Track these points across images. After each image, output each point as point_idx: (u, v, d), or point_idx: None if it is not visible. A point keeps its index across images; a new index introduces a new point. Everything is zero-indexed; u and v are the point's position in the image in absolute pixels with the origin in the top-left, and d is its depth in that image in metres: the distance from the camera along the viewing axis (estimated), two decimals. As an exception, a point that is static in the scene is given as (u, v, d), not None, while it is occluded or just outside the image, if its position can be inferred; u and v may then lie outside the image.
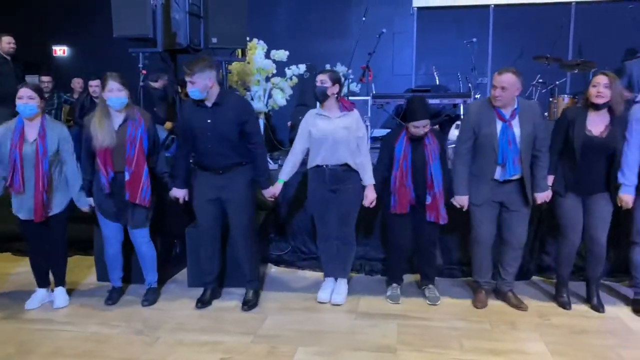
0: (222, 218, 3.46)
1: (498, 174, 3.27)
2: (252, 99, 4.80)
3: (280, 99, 4.81)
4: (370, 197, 3.46)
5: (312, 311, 3.48)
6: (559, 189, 3.36)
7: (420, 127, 3.33)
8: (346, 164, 3.41)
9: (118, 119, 3.34)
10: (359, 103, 5.83)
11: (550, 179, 3.36)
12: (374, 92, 5.85)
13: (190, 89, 3.19)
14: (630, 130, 3.21)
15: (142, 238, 3.52)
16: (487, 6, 7.17)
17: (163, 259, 3.94)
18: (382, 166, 3.51)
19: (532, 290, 3.80)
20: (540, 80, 5.92)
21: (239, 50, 4.68)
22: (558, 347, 2.97)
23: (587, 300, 3.54)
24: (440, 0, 7.30)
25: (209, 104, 3.27)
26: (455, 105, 5.61)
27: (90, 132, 3.31)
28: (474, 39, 6.11)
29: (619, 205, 3.27)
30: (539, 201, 3.37)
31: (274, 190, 3.52)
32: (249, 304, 3.50)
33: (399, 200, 3.41)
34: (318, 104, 3.55)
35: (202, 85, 3.17)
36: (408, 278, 3.94)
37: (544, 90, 5.96)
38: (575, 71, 6.04)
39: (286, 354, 2.90)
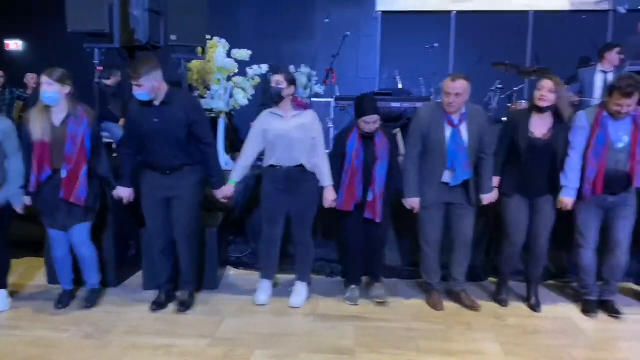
0: (170, 218, 3.38)
1: (447, 177, 3.32)
2: (212, 98, 4.72)
3: (242, 98, 4.75)
4: (329, 198, 3.45)
5: (271, 314, 3.44)
6: (506, 190, 3.43)
7: (371, 122, 3.34)
8: (301, 165, 3.39)
9: (59, 115, 3.23)
10: (322, 105, 5.83)
11: (496, 181, 3.44)
12: (337, 95, 5.86)
13: (137, 92, 3.12)
14: (575, 135, 3.30)
15: (80, 239, 3.39)
16: (449, 12, 7.29)
17: (118, 261, 3.83)
18: (335, 166, 3.50)
19: (488, 291, 3.85)
20: (499, 86, 6.04)
21: (199, 48, 4.60)
22: (512, 347, 3.02)
23: (527, 299, 3.62)
24: (403, 5, 7.38)
25: (156, 103, 3.20)
26: (417, 109, 5.66)
27: (28, 127, 3.20)
28: (436, 44, 6.20)
29: (559, 207, 3.36)
30: (485, 202, 3.43)
31: (225, 191, 3.46)
32: (184, 305, 3.43)
33: (345, 197, 3.41)
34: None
35: (149, 87, 3.10)
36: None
37: (502, 96, 6.08)
38: (533, 78, 6.18)
39: (242, 357, 2.85)
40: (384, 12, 7.42)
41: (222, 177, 3.45)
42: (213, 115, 4.95)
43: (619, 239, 3.32)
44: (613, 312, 3.44)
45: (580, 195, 3.29)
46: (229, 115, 5.06)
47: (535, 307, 3.53)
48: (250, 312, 3.46)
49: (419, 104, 5.48)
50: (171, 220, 3.37)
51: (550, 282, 4.04)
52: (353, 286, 3.67)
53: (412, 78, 6.50)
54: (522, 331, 3.24)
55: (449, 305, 3.60)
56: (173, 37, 4.31)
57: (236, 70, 4.85)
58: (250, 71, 4.83)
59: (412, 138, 3.38)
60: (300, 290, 3.61)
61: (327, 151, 3.57)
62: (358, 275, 3.71)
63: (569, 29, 6.65)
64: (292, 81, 3.38)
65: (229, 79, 4.82)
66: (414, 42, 7.03)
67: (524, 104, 5.56)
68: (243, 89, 4.80)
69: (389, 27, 7.41)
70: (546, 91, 3.24)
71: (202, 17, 4.43)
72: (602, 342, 3.11)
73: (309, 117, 3.43)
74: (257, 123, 3.48)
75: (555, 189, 3.36)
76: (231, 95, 4.81)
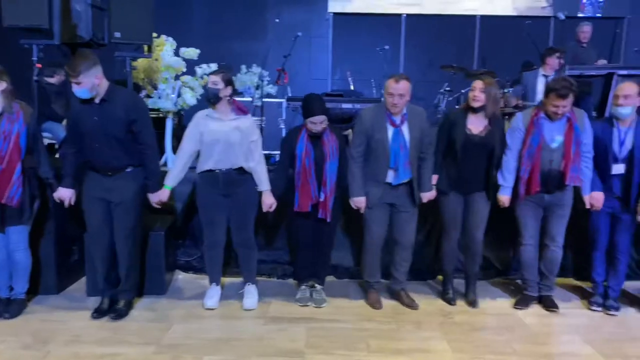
0: (111, 222, 3.27)
1: (390, 177, 3.37)
2: (159, 98, 4.59)
3: (190, 98, 4.64)
4: (267, 202, 3.43)
5: (220, 318, 3.38)
6: (443, 188, 3.51)
7: (318, 123, 3.34)
8: (240, 168, 3.35)
9: None
10: (274, 105, 5.79)
11: (435, 179, 3.52)
12: (289, 95, 5.83)
13: (76, 89, 2.99)
14: (512, 136, 3.42)
15: (16, 244, 3.23)
16: (400, 15, 7.40)
17: (59, 267, 3.67)
18: (283, 166, 3.49)
19: (438, 289, 3.92)
20: (448, 89, 6.18)
21: (146, 46, 4.47)
22: (459, 344, 3.08)
23: (465, 295, 3.72)
24: (355, 7, 7.43)
25: (97, 100, 3.08)
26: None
27: None
28: (387, 47, 6.27)
29: (499, 205, 3.48)
30: (424, 200, 3.51)
31: (160, 195, 3.34)
32: (117, 313, 3.31)
33: (301, 199, 3.41)
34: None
35: (89, 84, 2.99)
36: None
37: (450, 98, 6.22)
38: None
39: (190, 364, 2.79)
40: (335, 14, 7.45)
41: (159, 181, 3.33)
42: (161, 115, 4.83)
43: (554, 234, 3.48)
44: (551, 306, 3.57)
45: (517, 194, 3.41)
46: (177, 115, 4.94)
47: (473, 303, 3.63)
48: (199, 317, 3.39)
49: (370, 106, 5.52)
50: (112, 224, 3.26)
51: (496, 279, 4.16)
52: (303, 286, 3.66)
53: (363, 79, 6.57)
54: (468, 328, 3.31)
55: (398, 303, 3.64)
56: (117, 34, 4.16)
57: (184, 69, 4.74)
58: (199, 70, 4.73)
59: (356, 138, 3.40)
60: (252, 292, 3.57)
61: (277, 152, 3.54)
62: (307, 275, 3.70)
63: (514, 33, 6.86)
64: (229, 82, 3.30)
65: (176, 78, 4.71)
66: (365, 44, 7.10)
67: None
68: (191, 89, 4.69)
69: (341, 28, 7.45)
70: (478, 91, 3.34)
71: (148, 14, 4.30)
72: (544, 336, 3.22)
73: (248, 122, 3.39)
74: (193, 125, 3.38)
75: (489, 185, 3.47)
76: (179, 95, 4.70)
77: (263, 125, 5.04)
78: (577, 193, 3.47)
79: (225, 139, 3.28)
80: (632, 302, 3.71)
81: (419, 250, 4.11)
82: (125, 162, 3.18)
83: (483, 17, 7.33)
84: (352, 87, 6.45)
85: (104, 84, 3.08)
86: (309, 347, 3.00)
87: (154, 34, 4.54)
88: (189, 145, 3.38)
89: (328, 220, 3.45)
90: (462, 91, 6.34)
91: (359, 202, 3.42)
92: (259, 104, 5.12)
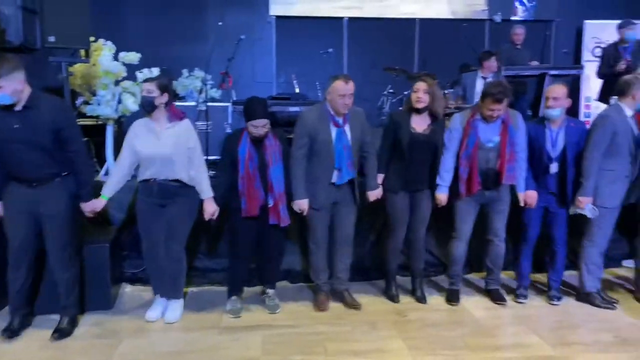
0: (37, 235, 3.08)
1: (335, 177, 3.40)
2: (99, 104, 4.40)
3: (131, 104, 4.47)
4: (209, 210, 3.35)
5: (171, 330, 3.28)
6: (391, 187, 3.57)
7: (260, 126, 3.30)
8: (178, 180, 3.26)
9: None
10: (219, 109, 5.69)
11: (381, 178, 3.58)
12: (234, 99, 5.75)
13: None
14: (450, 137, 3.52)
15: None
16: (342, 18, 7.46)
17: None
18: (225, 172, 3.40)
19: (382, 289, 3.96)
20: (391, 91, 6.29)
21: (82, 51, 4.27)
22: (414, 342, 3.13)
23: (413, 292, 3.80)
24: (297, 10, 7.42)
25: (18, 107, 2.89)
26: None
27: None
28: (330, 50, 6.31)
29: (437, 203, 3.58)
30: (371, 199, 3.56)
31: (94, 204, 3.21)
32: (60, 332, 3.14)
33: (249, 203, 3.34)
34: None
35: (11, 89, 2.81)
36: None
37: (394, 100, 6.33)
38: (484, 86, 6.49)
39: (143, 380, 2.69)
40: (277, 17, 7.42)
41: (91, 189, 3.19)
42: (100, 122, 4.63)
43: (496, 229, 3.61)
44: (499, 299, 3.70)
45: (457, 193, 3.51)
46: (118, 122, 4.76)
47: (421, 299, 3.72)
48: (150, 330, 3.27)
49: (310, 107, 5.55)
50: (37, 238, 3.08)
51: (444, 275, 4.25)
52: (234, 297, 3.58)
53: (308, 82, 6.57)
54: (422, 324, 3.38)
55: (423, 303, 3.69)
56: (51, 39, 3.95)
57: (124, 75, 4.56)
58: (140, 75, 4.57)
59: (297, 140, 3.38)
60: (176, 305, 3.45)
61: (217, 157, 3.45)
62: (241, 285, 3.66)
63: (451, 35, 7.08)
64: (165, 88, 3.19)
65: (116, 83, 4.52)
66: (308, 46, 7.11)
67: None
68: (133, 94, 4.52)
69: (284, 31, 7.42)
70: (422, 93, 3.42)
71: (84, 17, 4.11)
72: (494, 328, 3.34)
73: (184, 127, 3.28)
74: (129, 136, 3.28)
75: (433, 184, 3.57)
76: (120, 101, 4.52)
77: (209, 130, 4.94)
78: (514, 190, 3.60)
79: (162, 153, 3.18)
80: (570, 291, 3.90)
81: (370, 249, 4.17)
82: (52, 171, 3.01)
83: (422, 20, 7.51)
84: (297, 90, 6.45)
85: (27, 90, 2.90)
86: (266, 354, 2.97)
87: (91, 38, 4.35)
88: (125, 156, 3.28)
89: (282, 225, 3.42)
90: (405, 93, 6.45)
91: (301, 204, 3.40)
92: (204, 108, 5.01)
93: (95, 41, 4.48)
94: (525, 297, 3.73)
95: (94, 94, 4.50)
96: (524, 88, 6.07)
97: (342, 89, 3.26)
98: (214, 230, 3.98)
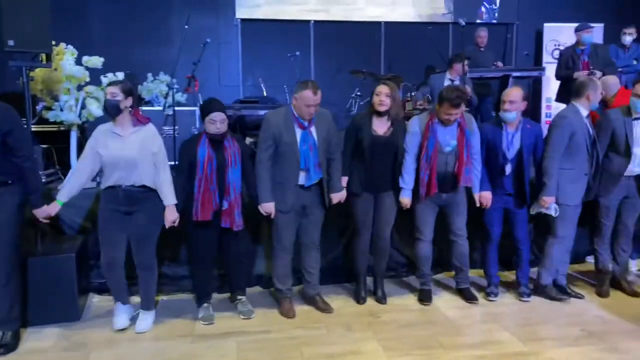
0: None
1: (302, 179, 3.38)
2: (61, 110, 4.27)
3: (95, 109, 4.35)
4: (170, 218, 3.26)
5: (142, 340, 3.20)
6: (355, 189, 3.58)
7: (218, 120, 3.24)
8: (143, 185, 3.20)
9: None
10: (185, 114, 5.60)
11: (345, 180, 3.59)
12: (201, 103, 5.67)
13: None
14: (410, 140, 3.56)
15: None
16: (308, 21, 7.47)
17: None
18: (183, 176, 3.32)
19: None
20: (359, 93, 6.33)
21: (43, 55, 4.14)
22: (389, 342, 3.15)
23: (374, 293, 3.82)
24: (263, 13, 7.39)
25: None
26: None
27: None
28: (297, 53, 6.30)
29: (401, 206, 3.61)
30: (334, 201, 3.55)
31: (48, 209, 3.12)
32: (5, 347, 3.01)
33: (202, 206, 3.27)
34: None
35: None
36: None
37: (362, 103, 6.38)
38: (442, 90, 6.55)
39: (115, 393, 2.61)
40: (243, 20, 7.37)
41: (41, 195, 3.10)
42: (62, 128, 4.49)
43: (457, 229, 3.68)
44: (471, 298, 3.77)
45: (417, 195, 3.56)
46: (81, 127, 4.63)
47: (381, 300, 3.76)
48: (120, 341, 3.19)
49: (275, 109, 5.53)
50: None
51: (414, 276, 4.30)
52: (205, 304, 3.52)
53: (276, 85, 6.55)
54: (396, 325, 3.40)
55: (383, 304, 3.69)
56: (10, 42, 3.81)
57: (88, 79, 4.45)
58: (104, 79, 4.46)
59: (262, 143, 3.35)
60: (147, 315, 3.39)
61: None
62: (209, 290, 3.61)
63: (416, 38, 7.18)
64: (129, 92, 3.14)
65: (79, 88, 4.40)
66: (275, 50, 7.09)
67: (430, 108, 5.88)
68: (97, 99, 4.41)
69: (250, 34, 7.37)
70: (384, 96, 3.46)
71: (44, 21, 3.98)
72: (466, 327, 3.39)
73: (149, 133, 3.23)
74: (92, 141, 3.19)
75: (396, 185, 3.60)
76: (83, 106, 4.40)
77: (176, 135, 4.86)
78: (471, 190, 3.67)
79: (126, 158, 3.12)
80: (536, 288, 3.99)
81: (344, 252, 4.17)
82: None
83: (387, 23, 7.59)
84: (264, 94, 6.42)
85: None
86: (241, 361, 2.93)
87: (53, 42, 4.21)
88: (85, 162, 3.19)
89: (236, 229, 3.36)
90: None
91: (267, 207, 3.37)
92: (170, 113, 4.93)
93: (56, 45, 4.35)
94: (495, 294, 3.81)
95: (56, 99, 4.38)
96: (487, 90, 6.21)
97: (310, 100, 3.24)
98: (182, 236, 3.91)
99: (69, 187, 3.20)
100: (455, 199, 3.61)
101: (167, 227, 3.28)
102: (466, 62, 5.46)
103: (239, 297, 3.62)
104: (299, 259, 3.63)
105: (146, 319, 3.36)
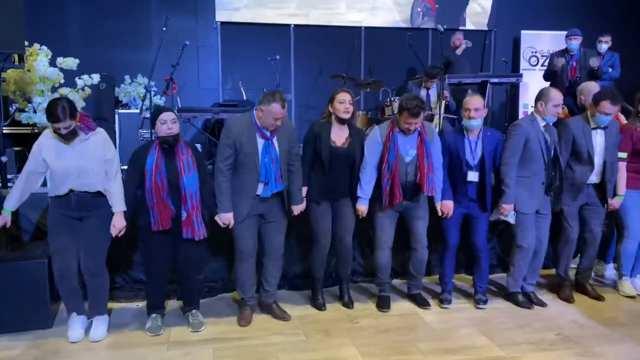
0: None
1: (260, 190, 3.30)
2: (34, 112, 4.18)
3: (70, 112, 4.27)
4: (118, 225, 3.18)
5: (117, 348, 3.13)
6: (312, 197, 3.56)
7: (168, 120, 3.15)
8: (97, 192, 3.14)
9: None
10: (163, 117, 5.54)
11: (304, 190, 3.54)
12: (179, 106, 5.62)
13: None
14: (370, 150, 3.53)
15: None
16: (288, 25, 7.46)
17: None
18: (133, 185, 3.24)
19: (339, 297, 3.96)
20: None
21: (16, 56, 4.05)
22: (367, 348, 3.13)
23: (340, 298, 3.82)
24: (242, 17, 7.35)
25: None
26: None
27: None
28: (277, 57, 6.28)
29: (357, 214, 3.60)
30: (295, 213, 3.51)
31: (4, 218, 3.07)
32: None
33: (160, 216, 3.18)
34: None
35: None
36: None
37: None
38: (368, 90, 6.61)
39: (86, 403, 2.54)
40: (222, 23, 7.32)
41: None
42: (36, 131, 4.40)
43: (418, 237, 3.64)
44: (423, 304, 3.77)
45: (379, 204, 3.55)
46: (55, 130, 4.53)
47: (348, 305, 3.75)
48: (93, 349, 3.11)
49: (237, 116, 5.48)
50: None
51: (397, 280, 4.30)
52: (154, 315, 3.43)
53: (255, 89, 6.52)
54: (375, 331, 3.39)
55: (308, 313, 3.64)
56: (-19, 43, 3.73)
57: (62, 81, 4.37)
58: (79, 81, 4.38)
59: (222, 151, 3.24)
60: (101, 322, 3.30)
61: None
62: (161, 301, 3.50)
63: (395, 43, 7.22)
64: (74, 113, 3.02)
65: (54, 90, 4.32)
66: (255, 53, 7.06)
67: (360, 114, 5.90)
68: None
69: (229, 38, 7.33)
70: (348, 103, 3.46)
71: (17, 21, 3.89)
72: (445, 332, 3.39)
73: (100, 139, 3.16)
74: (38, 149, 3.09)
75: (354, 191, 3.59)
76: (58, 108, 4.31)
77: (154, 138, 4.79)
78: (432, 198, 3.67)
79: (78, 166, 3.06)
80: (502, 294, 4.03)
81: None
82: None
83: (367, 28, 7.62)
84: (244, 97, 6.39)
85: None
86: (218, 369, 2.89)
87: (26, 43, 4.12)
88: (33, 170, 3.10)
89: (196, 238, 3.27)
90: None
91: (226, 218, 3.28)
92: (147, 115, 4.86)
93: (30, 46, 4.26)
94: (449, 301, 3.80)
95: (29, 101, 4.28)
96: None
97: (279, 113, 3.17)
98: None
99: (17, 194, 3.11)
100: (416, 205, 3.59)
101: (113, 234, 3.19)
102: (439, 76, 5.51)
103: (192, 311, 3.50)
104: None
105: (100, 327, 3.26)
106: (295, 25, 7.47)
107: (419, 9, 7.59)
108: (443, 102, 5.36)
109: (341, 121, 3.50)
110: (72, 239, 3.15)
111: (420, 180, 3.48)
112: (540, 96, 3.67)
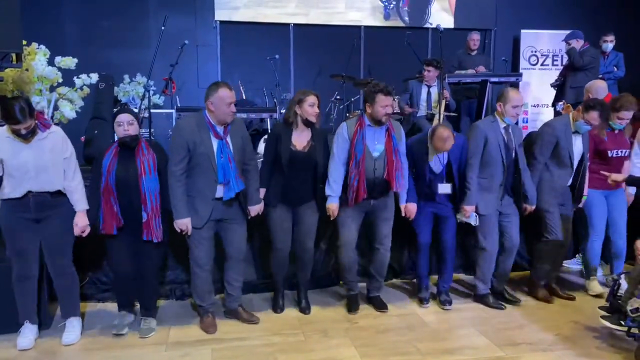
0: None
1: (220, 192, 3.19)
2: (33, 112, 4.16)
3: (69, 111, 4.25)
4: (80, 225, 3.13)
5: (116, 349, 3.12)
6: (270, 201, 3.47)
7: (125, 122, 3.09)
8: (58, 191, 3.08)
9: None
10: (162, 116, 5.53)
11: (262, 192, 3.47)
12: (178, 105, 5.61)
13: None
14: (337, 146, 3.46)
15: None
16: (288, 24, 7.44)
17: None
18: (95, 185, 3.19)
19: (337, 296, 3.96)
20: (338, 97, 6.32)
21: (13, 55, 4.03)
22: (366, 349, 3.12)
23: (298, 303, 3.73)
24: (242, 16, 7.33)
25: None
26: (263, 120, 5.68)
27: None
28: (277, 56, 6.27)
29: (328, 214, 3.52)
30: (252, 214, 3.42)
31: None
32: None
33: (105, 219, 3.12)
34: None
35: None
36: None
37: (341, 107, 6.37)
38: (366, 89, 6.57)
39: (84, 404, 2.54)
40: (222, 22, 7.30)
41: None
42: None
43: (382, 237, 3.59)
44: (381, 307, 3.70)
45: (344, 201, 3.47)
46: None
47: (305, 310, 3.66)
48: (91, 349, 3.11)
49: (264, 115, 5.50)
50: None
51: (394, 280, 4.30)
52: (123, 312, 3.40)
53: (255, 89, 6.50)
54: (374, 331, 3.38)
55: (311, 313, 3.61)
56: (-22, 41, 3.70)
57: (60, 80, 4.34)
58: (77, 81, 4.36)
59: (175, 154, 3.12)
60: (74, 325, 3.25)
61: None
62: (130, 300, 3.44)
63: (395, 43, 7.19)
64: (33, 111, 2.94)
65: (52, 89, 4.30)
66: (254, 52, 7.04)
67: (359, 113, 5.88)
68: (70, 101, 4.31)
69: (229, 37, 7.32)
70: (316, 106, 3.39)
71: (15, 20, 3.85)
72: (444, 332, 3.38)
73: (58, 138, 3.09)
74: None
75: (316, 196, 3.53)
76: (56, 108, 4.30)
77: (152, 138, 4.78)
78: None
79: (36, 165, 2.99)
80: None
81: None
82: None
83: (366, 27, 7.61)
84: (243, 97, 6.38)
85: None
86: (216, 369, 2.88)
87: (24, 42, 4.10)
88: None
89: (156, 241, 3.19)
90: (352, 99, 6.53)
91: (182, 224, 3.17)
92: (147, 115, 4.85)
93: (28, 45, 4.24)
94: (427, 300, 3.78)
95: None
96: (473, 92, 6.26)
97: (229, 97, 3.10)
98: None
99: None
100: (383, 205, 3.53)
101: (75, 234, 3.15)
102: (431, 68, 5.49)
103: (144, 315, 3.41)
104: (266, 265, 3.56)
105: (74, 330, 3.21)
106: (295, 25, 7.45)
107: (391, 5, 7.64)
108: (443, 102, 5.34)
109: (308, 124, 3.42)
110: (31, 241, 3.07)
111: (388, 176, 3.41)
112: (500, 97, 3.65)
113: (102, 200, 3.11)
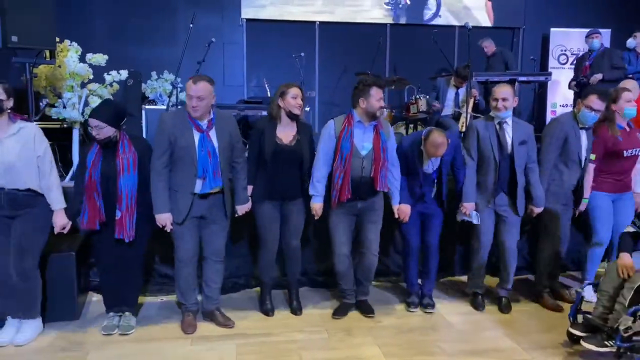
0: None
1: (199, 187, 3.14)
2: (64, 107, 4.25)
3: (99, 107, 4.34)
4: (59, 223, 3.13)
5: (141, 341, 3.17)
6: (257, 197, 3.41)
7: (93, 127, 3.04)
8: (29, 189, 3.05)
9: None
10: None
11: (250, 189, 3.41)
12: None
13: None
14: (322, 143, 3.38)
15: None
16: (313, 22, 7.45)
17: None
18: (79, 182, 3.16)
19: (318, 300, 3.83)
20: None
21: (47, 52, 4.12)
22: (390, 348, 3.11)
23: (289, 304, 3.66)
24: (268, 14, 7.38)
25: None
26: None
27: None
28: (302, 54, 6.27)
29: (312, 213, 3.44)
30: (240, 213, 3.38)
31: None
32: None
33: (89, 215, 3.09)
34: None
35: None
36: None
37: (366, 104, 6.33)
38: (392, 87, 6.55)
39: (112, 395, 2.58)
40: (248, 20, 7.36)
41: None
42: (65, 125, 4.48)
43: (369, 242, 3.47)
44: (367, 311, 3.58)
45: (330, 202, 3.39)
46: (84, 125, 4.60)
47: (296, 311, 3.59)
48: (118, 341, 3.16)
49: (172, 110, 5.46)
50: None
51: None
52: (111, 314, 3.35)
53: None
54: (397, 331, 3.36)
55: (331, 311, 3.60)
56: (14, 38, 3.80)
57: (91, 77, 4.43)
58: (107, 77, 4.44)
59: (157, 148, 3.11)
60: (29, 326, 3.16)
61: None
62: (114, 300, 3.36)
63: (421, 40, 7.14)
64: (11, 93, 2.98)
65: (83, 85, 4.38)
66: (280, 50, 7.07)
67: (385, 112, 5.86)
68: (100, 97, 4.40)
69: (255, 35, 7.37)
70: (299, 99, 3.32)
71: (49, 17, 3.97)
72: (469, 333, 3.35)
73: (30, 135, 3.03)
74: None
75: (304, 192, 3.45)
76: (87, 104, 4.39)
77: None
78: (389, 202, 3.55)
79: (6, 162, 2.94)
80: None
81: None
82: None
83: (392, 25, 7.57)
84: (268, 94, 6.40)
85: None
86: (240, 364, 2.90)
87: (57, 39, 4.20)
88: None
89: (127, 240, 3.14)
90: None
91: (162, 219, 3.13)
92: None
93: (60, 42, 4.34)
94: (415, 305, 3.68)
95: (59, 96, 4.36)
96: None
97: (190, 90, 3.02)
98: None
99: None
100: (371, 205, 3.43)
101: (56, 232, 3.15)
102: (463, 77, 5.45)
103: (124, 311, 3.36)
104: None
105: (28, 330, 3.14)
106: (321, 23, 7.46)
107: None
108: (471, 101, 5.28)
109: (292, 117, 3.35)
110: (6, 239, 3.05)
111: (374, 174, 3.33)
112: (492, 94, 3.56)
113: (85, 195, 3.09)
